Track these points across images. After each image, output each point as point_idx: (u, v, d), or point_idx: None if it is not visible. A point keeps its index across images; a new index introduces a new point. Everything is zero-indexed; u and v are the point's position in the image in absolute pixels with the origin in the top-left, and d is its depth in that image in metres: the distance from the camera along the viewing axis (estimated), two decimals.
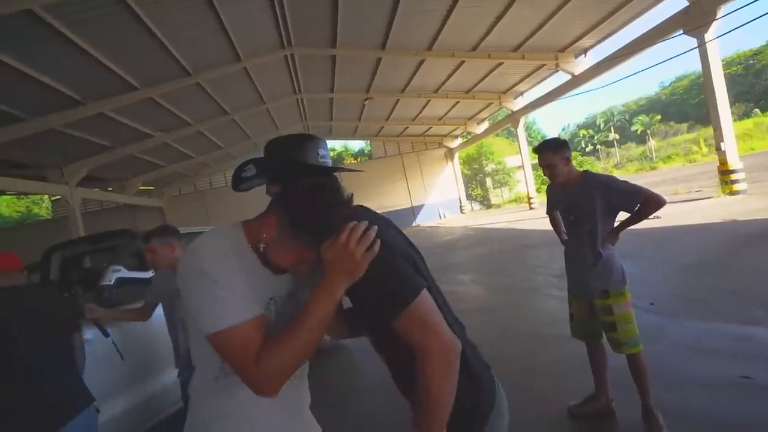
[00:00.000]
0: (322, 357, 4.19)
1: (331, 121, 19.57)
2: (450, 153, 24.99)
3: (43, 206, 31.88)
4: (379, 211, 1.08)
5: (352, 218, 0.96)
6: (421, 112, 18.77)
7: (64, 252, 3.73)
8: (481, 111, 19.13)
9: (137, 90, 9.71)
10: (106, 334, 2.30)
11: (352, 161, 32.11)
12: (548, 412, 2.45)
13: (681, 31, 9.48)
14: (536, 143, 2.39)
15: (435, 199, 24.89)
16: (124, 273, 2.64)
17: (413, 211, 24.13)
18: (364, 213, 1.03)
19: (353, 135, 23.54)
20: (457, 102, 17.21)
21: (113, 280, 2.57)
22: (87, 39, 7.24)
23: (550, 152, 2.19)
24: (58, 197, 17.36)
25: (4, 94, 7.89)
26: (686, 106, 53.06)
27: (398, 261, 0.88)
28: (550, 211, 2.63)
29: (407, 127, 21.78)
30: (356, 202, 1.06)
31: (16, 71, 7.23)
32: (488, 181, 29.51)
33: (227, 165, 21.62)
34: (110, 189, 16.86)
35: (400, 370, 1.00)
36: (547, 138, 2.33)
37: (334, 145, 33.53)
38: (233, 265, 0.84)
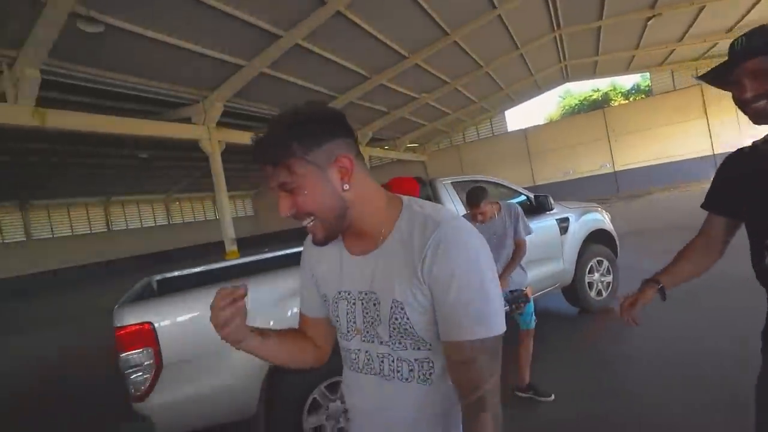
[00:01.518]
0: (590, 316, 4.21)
1: (596, 56, 16.56)
2: None
3: None
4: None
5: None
6: (741, 20, 13.24)
7: None
8: None
9: (406, 58, 11.07)
10: None
11: (623, 102, 26.37)
12: None
13: None
14: None
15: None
16: None
17: (715, 161, 18.07)
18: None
19: (626, 69, 19.24)
20: None
21: None
22: (371, 22, 8.70)
23: None
24: None
25: (321, 79, 10.63)
26: None
27: None
28: None
29: (715, 44, 15.87)
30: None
31: (328, 60, 9.55)
32: None
33: (480, 119, 22.17)
34: (386, 147, 20.43)
35: None
36: None
37: (599, 84, 28.40)
38: (308, 257, 0.95)
